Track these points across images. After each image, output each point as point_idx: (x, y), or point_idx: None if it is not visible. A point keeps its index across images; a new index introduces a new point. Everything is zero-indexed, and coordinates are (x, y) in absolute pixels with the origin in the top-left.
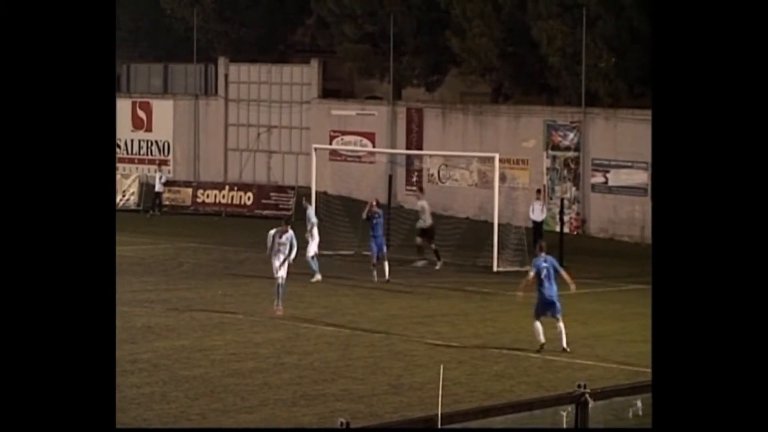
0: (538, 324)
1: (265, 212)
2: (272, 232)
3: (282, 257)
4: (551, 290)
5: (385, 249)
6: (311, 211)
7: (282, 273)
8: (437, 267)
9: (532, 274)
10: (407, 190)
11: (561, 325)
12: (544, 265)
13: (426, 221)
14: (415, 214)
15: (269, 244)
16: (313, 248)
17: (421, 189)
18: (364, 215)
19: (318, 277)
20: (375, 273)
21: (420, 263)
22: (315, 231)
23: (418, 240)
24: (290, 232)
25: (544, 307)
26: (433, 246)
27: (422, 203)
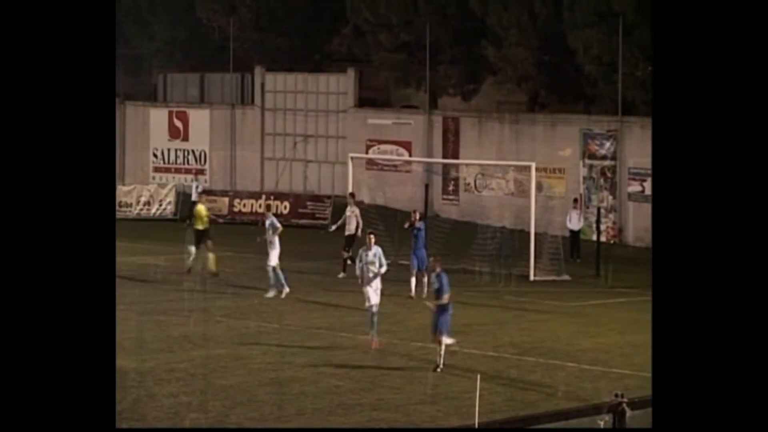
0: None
1: (302, 221)
2: (360, 251)
3: (374, 281)
4: (448, 307)
5: (424, 265)
6: (273, 219)
7: (375, 300)
8: (340, 275)
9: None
10: (443, 199)
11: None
12: (445, 281)
13: (351, 229)
14: (452, 223)
15: (358, 266)
16: (274, 258)
17: (352, 195)
18: (406, 225)
19: (272, 293)
20: (413, 285)
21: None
22: (276, 240)
23: (344, 254)
24: (377, 248)
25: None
26: (344, 254)
27: (354, 209)
